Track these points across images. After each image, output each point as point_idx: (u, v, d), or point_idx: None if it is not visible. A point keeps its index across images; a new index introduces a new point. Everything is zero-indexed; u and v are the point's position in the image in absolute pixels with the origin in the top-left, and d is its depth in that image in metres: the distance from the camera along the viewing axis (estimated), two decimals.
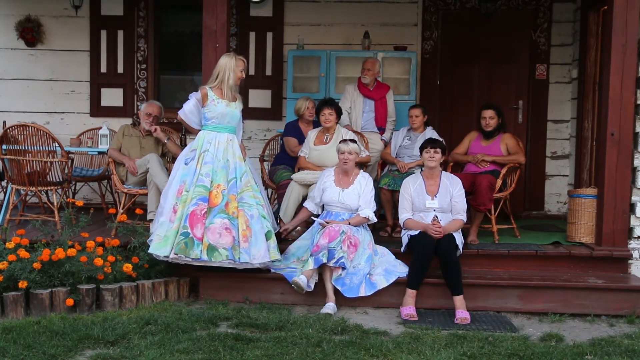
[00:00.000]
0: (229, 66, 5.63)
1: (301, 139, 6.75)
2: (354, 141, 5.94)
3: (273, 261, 5.57)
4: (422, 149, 5.86)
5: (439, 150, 5.74)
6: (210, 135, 5.64)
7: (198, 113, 5.72)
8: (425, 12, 8.21)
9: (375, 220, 5.85)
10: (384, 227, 6.59)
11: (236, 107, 5.71)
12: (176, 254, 5.33)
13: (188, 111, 5.73)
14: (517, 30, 8.19)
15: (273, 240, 5.59)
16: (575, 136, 7.90)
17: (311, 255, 5.50)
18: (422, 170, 6.09)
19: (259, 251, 5.45)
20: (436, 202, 5.70)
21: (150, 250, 5.46)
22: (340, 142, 5.93)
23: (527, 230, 6.90)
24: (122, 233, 5.98)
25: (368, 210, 5.72)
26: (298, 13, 8.26)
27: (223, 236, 5.37)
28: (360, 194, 5.76)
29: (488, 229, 6.36)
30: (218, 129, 5.65)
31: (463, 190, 5.79)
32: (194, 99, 5.72)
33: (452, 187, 5.75)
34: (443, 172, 5.93)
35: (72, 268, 5.30)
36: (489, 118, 6.54)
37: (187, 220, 5.38)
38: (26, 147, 6.61)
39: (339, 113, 6.56)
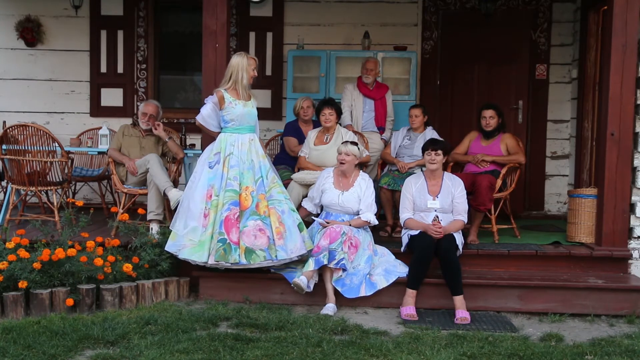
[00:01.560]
0: (241, 66, 5.62)
1: (301, 139, 6.75)
2: (355, 144, 5.93)
3: (309, 250, 5.57)
4: (423, 150, 5.86)
5: (439, 152, 5.73)
6: (232, 138, 5.63)
7: (216, 116, 5.70)
8: (425, 12, 8.21)
9: (377, 223, 5.85)
10: (384, 227, 6.58)
11: (253, 106, 5.71)
12: (217, 261, 5.38)
13: (206, 115, 5.70)
14: (517, 30, 8.19)
15: (306, 231, 5.65)
16: (575, 136, 7.90)
17: (312, 256, 5.50)
18: (422, 169, 6.09)
19: (295, 244, 5.49)
20: (437, 203, 5.70)
21: (184, 256, 5.46)
22: (342, 142, 5.92)
23: (527, 230, 6.90)
24: (122, 233, 5.97)
25: (369, 214, 5.72)
26: (298, 13, 8.26)
27: (258, 237, 5.41)
28: (361, 197, 5.75)
29: (488, 229, 6.36)
30: (239, 130, 5.64)
31: (465, 192, 5.79)
32: (210, 102, 5.69)
33: (454, 188, 5.75)
34: (445, 172, 5.93)
35: (72, 268, 5.30)
36: (489, 118, 6.54)
37: (223, 227, 5.40)
38: (26, 147, 6.61)
39: (339, 113, 6.56)
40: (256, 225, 5.44)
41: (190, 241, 5.46)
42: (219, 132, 5.71)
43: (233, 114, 5.61)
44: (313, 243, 5.61)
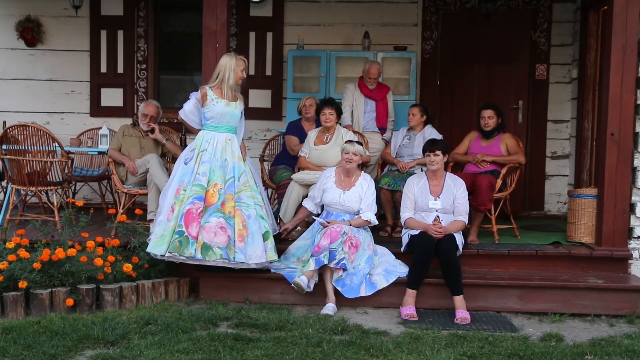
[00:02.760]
0: (229, 66, 5.63)
1: (302, 138, 6.75)
2: (360, 143, 5.93)
3: (270, 262, 5.57)
4: (423, 152, 5.86)
5: (438, 152, 5.72)
6: (209, 135, 5.64)
7: (198, 113, 5.72)
8: (425, 12, 8.21)
9: (377, 223, 5.85)
10: (384, 227, 6.58)
11: (236, 107, 5.70)
12: (170, 252, 5.36)
13: (188, 111, 5.74)
14: (517, 30, 8.19)
15: (270, 241, 5.58)
16: (575, 136, 7.91)
17: (312, 255, 5.50)
18: (422, 169, 6.09)
19: (255, 251, 5.45)
20: (439, 203, 5.70)
21: (147, 250, 5.49)
22: (346, 142, 5.92)
23: (527, 230, 6.90)
24: (122, 233, 5.98)
25: (370, 214, 5.72)
26: (298, 13, 8.26)
27: (218, 235, 5.38)
28: (362, 197, 5.75)
29: (488, 229, 6.36)
30: (217, 129, 5.66)
31: (466, 192, 5.79)
32: (193, 98, 5.73)
33: (456, 189, 5.75)
34: (448, 173, 5.93)
35: (72, 268, 5.30)
36: (488, 118, 6.54)
37: (183, 219, 5.40)
38: (26, 147, 6.61)
39: (339, 113, 6.57)
40: (218, 223, 5.41)
41: (154, 235, 5.47)
42: (200, 129, 5.72)
43: (213, 111, 5.62)
44: (276, 255, 5.56)
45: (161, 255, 5.42)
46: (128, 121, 7.88)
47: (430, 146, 5.78)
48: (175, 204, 5.48)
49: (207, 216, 5.42)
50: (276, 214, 6.26)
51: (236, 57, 5.69)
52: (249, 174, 5.72)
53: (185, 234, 5.36)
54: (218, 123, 5.65)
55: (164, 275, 5.69)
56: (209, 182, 5.51)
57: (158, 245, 5.42)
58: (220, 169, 5.56)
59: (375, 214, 5.81)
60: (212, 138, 5.63)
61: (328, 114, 6.44)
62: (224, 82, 5.63)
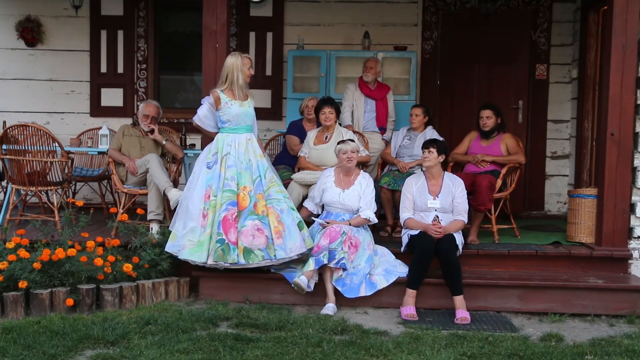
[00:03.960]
0: (236, 66, 5.62)
1: (303, 138, 6.74)
2: (352, 140, 5.95)
3: (310, 249, 5.58)
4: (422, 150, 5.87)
5: (432, 149, 5.73)
6: (229, 138, 5.64)
7: (213, 117, 5.72)
8: (425, 12, 8.21)
9: (376, 221, 5.85)
10: (384, 227, 6.59)
11: (249, 106, 5.71)
12: (215, 261, 5.39)
13: (203, 116, 5.73)
14: (517, 30, 8.20)
15: (306, 229, 5.65)
16: (575, 136, 7.91)
17: (312, 255, 5.50)
18: (422, 169, 6.09)
19: (294, 243, 5.50)
20: (438, 202, 5.70)
21: (184, 257, 5.48)
22: (338, 144, 5.92)
23: (527, 230, 6.90)
24: (123, 233, 5.97)
25: (369, 212, 5.72)
26: (298, 13, 8.26)
27: (256, 237, 5.42)
28: (361, 195, 5.76)
29: (488, 229, 6.36)
30: (236, 130, 5.65)
31: (465, 192, 5.79)
32: (207, 103, 5.71)
33: (455, 188, 5.75)
34: (446, 172, 5.93)
35: (72, 268, 5.30)
36: (487, 118, 6.54)
37: (221, 227, 5.41)
38: (26, 147, 6.61)
39: (338, 112, 6.56)
40: (254, 225, 5.44)
41: (189, 242, 5.47)
42: (217, 132, 5.72)
43: (229, 114, 5.62)
44: (313, 241, 5.61)
45: (202, 263, 5.44)
46: (128, 121, 7.88)
47: (426, 144, 5.80)
48: (207, 210, 5.48)
49: (243, 220, 5.45)
50: None
51: (241, 56, 5.68)
52: (272, 168, 5.77)
53: (226, 241, 5.39)
54: (236, 125, 5.65)
55: (164, 275, 5.69)
56: (238, 185, 5.53)
57: (196, 252, 5.43)
58: (246, 171, 5.57)
59: (375, 213, 5.81)
60: (233, 140, 5.63)
61: (328, 112, 6.44)
62: (234, 83, 5.62)
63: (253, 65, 5.81)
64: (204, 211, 5.49)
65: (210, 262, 5.41)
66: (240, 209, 5.48)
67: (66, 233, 5.67)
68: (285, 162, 6.78)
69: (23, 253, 5.26)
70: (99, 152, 7.52)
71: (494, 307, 5.55)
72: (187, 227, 5.51)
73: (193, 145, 7.27)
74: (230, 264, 5.39)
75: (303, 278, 5.39)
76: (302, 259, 5.65)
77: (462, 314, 5.25)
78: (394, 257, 5.79)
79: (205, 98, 5.75)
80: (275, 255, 5.44)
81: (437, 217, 5.62)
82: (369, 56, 7.61)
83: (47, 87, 8.42)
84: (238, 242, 5.41)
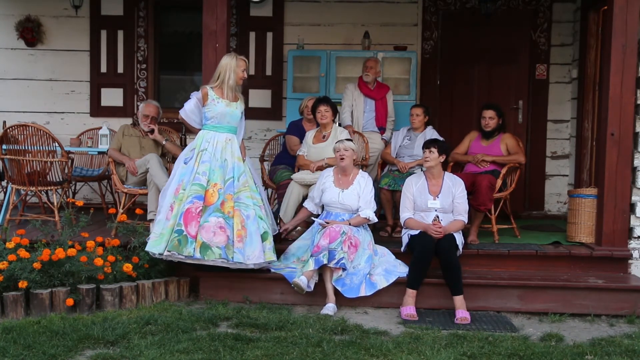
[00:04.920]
0: (229, 66, 5.64)
1: (303, 138, 6.75)
2: (349, 140, 5.94)
3: (269, 262, 5.57)
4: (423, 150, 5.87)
5: (433, 150, 5.73)
6: (209, 135, 5.65)
7: (199, 112, 5.73)
8: (425, 12, 8.21)
9: (376, 220, 5.85)
10: (384, 227, 6.59)
11: (237, 107, 5.71)
12: (169, 251, 5.37)
13: (189, 110, 5.74)
14: (517, 30, 8.20)
15: (269, 242, 5.59)
16: (575, 136, 7.91)
17: (312, 255, 5.50)
18: (422, 169, 6.09)
19: (253, 251, 5.45)
20: (438, 203, 5.70)
21: (146, 248, 5.49)
22: (336, 143, 5.93)
23: (527, 230, 6.90)
24: (122, 233, 5.98)
25: (368, 211, 5.72)
26: (298, 13, 8.26)
27: (217, 235, 5.38)
28: (360, 195, 5.76)
29: (488, 229, 6.36)
30: (217, 129, 5.66)
31: (465, 192, 5.79)
32: (194, 98, 5.73)
33: (455, 188, 5.75)
34: (446, 172, 5.93)
35: (72, 268, 5.30)
36: (489, 118, 6.54)
37: (182, 218, 5.40)
38: (26, 147, 6.61)
39: (334, 110, 6.56)
40: (217, 223, 5.41)
41: (153, 234, 5.48)
42: (200, 129, 5.73)
43: (214, 111, 5.62)
44: (274, 256, 5.56)
45: (159, 254, 5.42)
46: (128, 121, 7.89)
47: (427, 144, 5.80)
48: (175, 203, 5.48)
49: (207, 215, 5.42)
50: (276, 214, 6.26)
51: (237, 58, 5.69)
52: (249, 174, 5.72)
53: (184, 232, 5.36)
54: (218, 123, 5.66)
55: (164, 275, 5.69)
56: (209, 181, 5.51)
57: (157, 244, 5.42)
58: (220, 169, 5.56)
59: (375, 213, 5.81)
60: (212, 138, 5.63)
61: (324, 111, 6.44)
62: (225, 82, 5.64)
63: (249, 68, 5.79)
64: (172, 205, 5.48)
65: (165, 252, 5.37)
66: (207, 204, 5.44)
67: (66, 233, 5.67)
68: (285, 162, 6.78)
69: (23, 253, 5.26)
70: (99, 152, 7.52)
71: (494, 307, 5.55)
72: (156, 221, 5.55)
73: None
74: (185, 256, 5.35)
75: (303, 278, 5.39)
76: (302, 259, 5.66)
77: (462, 314, 5.25)
78: (394, 257, 5.79)
79: (194, 93, 5.78)
80: (232, 258, 5.38)
81: (438, 217, 5.62)
82: (369, 56, 7.62)
83: (47, 87, 8.42)
84: (197, 236, 5.36)
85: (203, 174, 5.52)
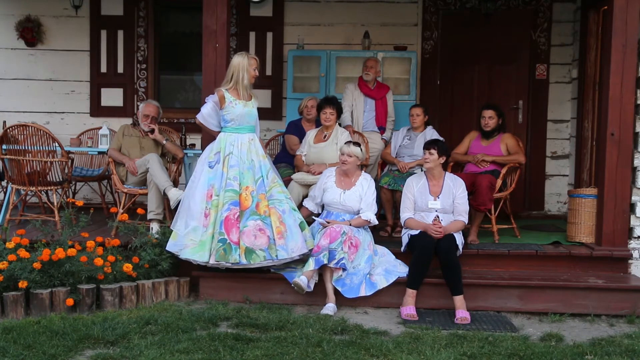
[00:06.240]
0: (242, 66, 5.63)
1: (302, 138, 6.75)
2: (358, 144, 5.91)
3: (311, 249, 5.57)
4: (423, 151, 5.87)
5: (433, 151, 5.73)
6: (232, 138, 5.64)
7: (216, 115, 5.73)
8: (425, 12, 8.21)
9: (377, 223, 5.85)
10: (384, 227, 6.59)
11: (253, 106, 5.73)
12: (217, 261, 5.39)
13: (207, 114, 5.73)
14: (517, 30, 8.20)
15: (307, 230, 5.66)
16: (575, 136, 7.91)
17: (312, 255, 5.50)
18: (422, 169, 6.09)
19: (296, 244, 5.50)
20: (438, 203, 5.70)
21: (185, 256, 5.48)
22: (345, 143, 5.92)
23: (527, 230, 6.90)
24: (123, 233, 5.98)
25: (370, 213, 5.72)
26: (298, 13, 8.27)
27: (258, 237, 5.42)
28: (362, 197, 5.75)
29: (488, 229, 6.36)
30: (239, 130, 5.66)
31: (466, 192, 5.79)
32: (211, 102, 5.71)
33: (456, 189, 5.75)
34: (447, 173, 5.93)
35: (72, 268, 5.30)
36: (489, 118, 6.54)
37: (223, 227, 5.41)
38: (26, 147, 6.61)
39: (339, 113, 6.57)
40: (256, 225, 5.45)
41: (191, 241, 5.47)
42: (219, 132, 5.72)
43: (233, 113, 5.62)
44: (314, 242, 5.61)
45: (204, 263, 5.44)
46: (128, 121, 7.89)
47: (427, 145, 5.79)
48: (209, 209, 5.48)
49: (245, 220, 5.45)
50: None
51: (248, 56, 5.70)
52: (274, 168, 5.78)
53: (228, 241, 5.39)
54: (239, 125, 5.66)
55: (164, 275, 5.69)
56: (241, 185, 5.53)
57: (197, 251, 5.44)
58: (249, 171, 5.58)
59: (376, 214, 5.81)
60: (236, 140, 5.63)
61: (329, 113, 6.44)
62: (239, 83, 5.63)
63: (259, 67, 5.80)
64: (206, 210, 5.49)
65: (212, 261, 5.41)
66: (243, 209, 5.48)
67: (66, 233, 5.67)
68: (285, 160, 6.79)
69: (23, 253, 5.26)
70: (99, 152, 7.52)
71: (494, 307, 5.55)
72: (189, 227, 5.51)
73: (193, 145, 7.27)
74: (232, 263, 5.39)
75: (303, 278, 5.39)
76: (302, 259, 5.66)
77: (462, 314, 5.25)
78: (394, 257, 5.79)
79: (210, 96, 5.74)
80: (277, 256, 5.44)
81: (438, 217, 5.62)
82: (369, 56, 7.62)
83: (47, 87, 8.42)
84: (240, 242, 5.40)
85: (234, 179, 5.53)
